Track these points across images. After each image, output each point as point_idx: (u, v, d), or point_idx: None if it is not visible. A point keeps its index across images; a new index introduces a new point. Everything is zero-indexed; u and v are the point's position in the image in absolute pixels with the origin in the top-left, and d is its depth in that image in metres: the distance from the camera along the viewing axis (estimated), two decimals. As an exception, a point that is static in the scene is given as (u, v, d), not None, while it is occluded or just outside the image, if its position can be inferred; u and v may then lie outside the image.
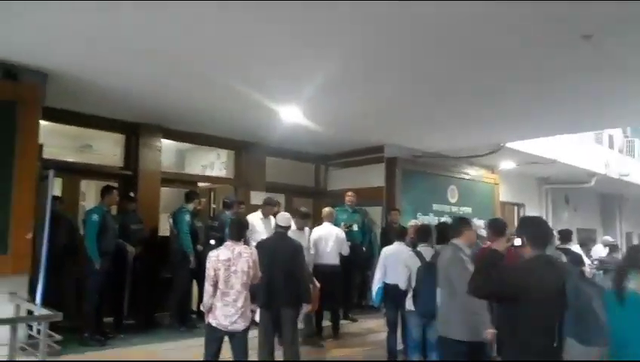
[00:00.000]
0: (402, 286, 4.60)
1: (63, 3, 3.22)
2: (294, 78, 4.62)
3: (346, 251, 6.05)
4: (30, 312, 4.23)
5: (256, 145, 7.82)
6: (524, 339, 2.48)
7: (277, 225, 4.80)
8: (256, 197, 7.75)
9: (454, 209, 8.81)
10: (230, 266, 3.78)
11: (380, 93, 5.19)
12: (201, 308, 4.03)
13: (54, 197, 5.86)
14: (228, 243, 3.93)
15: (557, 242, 5.88)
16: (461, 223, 3.82)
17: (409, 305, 4.47)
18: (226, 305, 3.77)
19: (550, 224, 11.21)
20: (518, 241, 2.71)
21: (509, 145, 8.02)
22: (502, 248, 3.68)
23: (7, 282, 4.25)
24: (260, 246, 4.62)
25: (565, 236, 6.08)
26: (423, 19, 3.38)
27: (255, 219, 6.15)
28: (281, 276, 4.47)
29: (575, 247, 6.35)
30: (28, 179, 4.34)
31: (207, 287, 3.81)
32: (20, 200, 4.26)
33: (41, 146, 4.68)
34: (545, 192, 11.84)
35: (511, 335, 2.60)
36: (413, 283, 4.40)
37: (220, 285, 3.78)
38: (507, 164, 9.47)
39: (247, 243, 4.10)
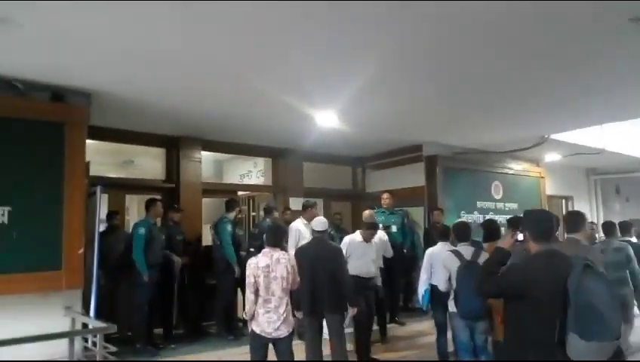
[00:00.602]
0: (441, 287, 4.48)
1: (104, 24, 3.31)
2: (331, 81, 4.58)
3: (389, 253, 5.95)
4: (85, 325, 4.38)
5: (292, 151, 7.84)
6: (525, 334, 2.45)
7: (313, 231, 4.77)
8: (295, 203, 7.77)
9: (499, 205, 8.54)
10: (269, 273, 3.78)
11: (418, 92, 5.09)
12: (244, 316, 4.04)
13: (113, 212, 6.14)
14: (266, 249, 3.92)
15: (618, 234, 5.61)
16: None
17: (451, 306, 4.35)
18: (268, 311, 3.77)
19: (601, 216, 10.75)
20: (520, 236, 2.70)
21: (553, 136, 7.70)
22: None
23: (62, 296, 4.40)
24: (300, 251, 4.61)
25: (625, 228, 5.77)
26: (463, 15, 3.28)
27: (299, 225, 6.13)
28: (322, 281, 4.43)
29: (633, 239, 6.02)
30: (77, 196, 4.48)
31: (249, 295, 3.82)
32: (70, 217, 4.40)
33: (87, 164, 4.83)
34: (594, 183, 11.32)
35: (513, 329, 2.57)
36: (455, 284, 4.28)
37: (261, 292, 3.78)
38: (552, 156, 9.11)
39: (284, 248, 4.08)
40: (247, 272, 3.83)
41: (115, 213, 6.27)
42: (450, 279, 4.34)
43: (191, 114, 5.77)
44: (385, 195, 6.90)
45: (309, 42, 3.70)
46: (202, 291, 6.44)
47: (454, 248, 4.48)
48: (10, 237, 4.13)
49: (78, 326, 4.44)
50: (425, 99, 5.35)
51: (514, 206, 8.72)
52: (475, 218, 7.91)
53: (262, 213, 7.05)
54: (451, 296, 4.34)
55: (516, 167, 9.04)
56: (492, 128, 6.88)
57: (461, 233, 4.56)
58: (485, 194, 8.41)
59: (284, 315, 3.77)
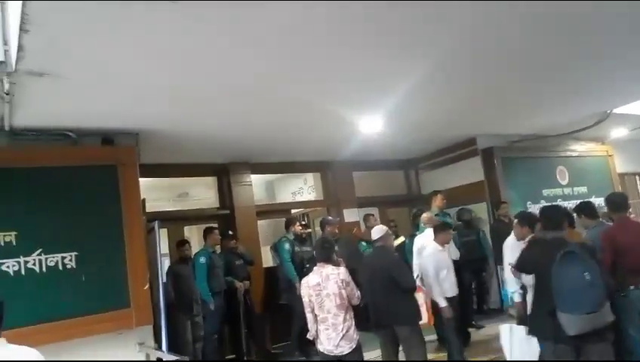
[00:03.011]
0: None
1: (142, 63, 3.35)
2: (377, 85, 4.43)
3: (456, 255, 5.66)
4: (160, 360, 4.43)
5: (340, 163, 7.73)
6: (533, 308, 3.41)
7: (372, 240, 4.58)
8: (350, 215, 7.64)
9: (567, 191, 7.99)
10: (321, 291, 3.67)
11: (466, 85, 4.83)
12: (308, 336, 3.96)
13: (184, 241, 6.10)
14: (316, 266, 3.82)
15: None
16: None
17: None
18: (327, 329, 3.68)
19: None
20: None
21: (616, 110, 7.13)
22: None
23: (134, 333, 4.48)
24: (363, 264, 4.44)
25: None
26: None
27: None
28: (382, 293, 4.22)
29: None
30: (137, 234, 4.57)
31: (307, 314, 3.77)
32: (132, 255, 4.49)
33: (143, 201, 4.93)
34: (670, 154, 10.43)
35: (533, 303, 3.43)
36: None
37: (316, 311, 3.71)
38: (619, 132, 8.44)
39: (336, 263, 3.93)
40: (302, 292, 3.79)
41: (184, 243, 6.02)
42: None
43: (238, 140, 5.80)
44: (438, 196, 6.59)
45: (355, 47, 3.55)
46: (269, 313, 6.41)
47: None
48: (79, 281, 4.26)
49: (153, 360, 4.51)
50: (474, 91, 5.07)
51: (583, 190, 8.16)
52: (543, 207, 7.46)
53: (318, 228, 6.96)
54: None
55: (580, 148, 8.46)
56: (547, 110, 6.46)
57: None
58: (550, 181, 7.90)
59: (344, 331, 3.65)
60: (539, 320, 3.29)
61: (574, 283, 2.95)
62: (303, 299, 3.77)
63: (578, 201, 5.85)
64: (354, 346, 3.68)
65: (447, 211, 6.60)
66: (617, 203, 4.15)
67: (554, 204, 3.53)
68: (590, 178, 8.37)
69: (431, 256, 4.83)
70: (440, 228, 4.98)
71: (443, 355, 5.07)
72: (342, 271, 3.76)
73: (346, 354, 3.67)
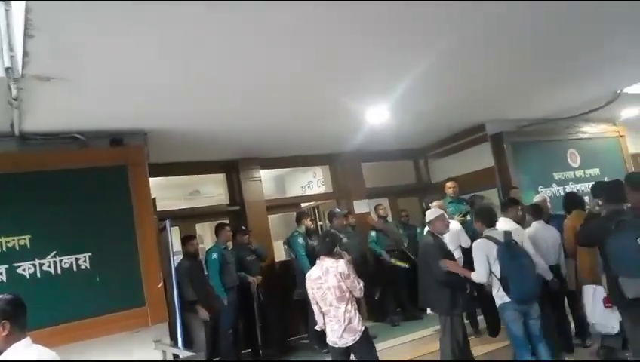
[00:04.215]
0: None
1: (151, 64, 3.36)
2: (385, 76, 4.41)
3: (466, 243, 5.63)
4: (176, 356, 4.49)
5: (348, 155, 7.70)
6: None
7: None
8: (360, 206, 7.63)
9: (579, 174, 7.88)
10: (322, 284, 3.73)
11: (475, 70, 4.74)
12: (316, 328, 4.03)
13: (191, 236, 5.91)
14: (319, 259, 3.86)
15: None
16: None
17: (500, 297, 4.11)
18: (330, 321, 3.76)
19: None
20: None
21: (627, 90, 7.00)
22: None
23: (150, 331, 4.53)
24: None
25: None
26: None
27: None
28: (422, 277, 4.49)
29: None
30: (149, 233, 4.61)
31: (313, 306, 3.87)
32: (145, 254, 4.52)
33: (154, 200, 4.97)
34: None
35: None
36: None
37: (320, 303, 3.78)
38: (630, 112, 8.30)
39: (337, 256, 3.93)
40: (307, 285, 3.87)
41: (189, 239, 5.77)
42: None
43: (246, 136, 5.81)
44: (449, 183, 6.54)
45: (364, 35, 3.49)
46: (283, 307, 6.45)
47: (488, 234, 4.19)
48: (94, 282, 4.31)
49: (169, 358, 4.56)
50: (483, 76, 4.99)
51: (595, 171, 8.05)
52: (555, 190, 7.37)
53: (327, 221, 6.97)
54: (495, 285, 4.08)
55: (590, 130, 8.34)
56: (557, 93, 6.37)
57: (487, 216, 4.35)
58: (562, 165, 7.80)
59: (346, 323, 3.69)
60: (611, 286, 3.51)
61: (630, 248, 3.13)
62: (308, 292, 3.85)
63: (590, 184, 5.80)
64: (357, 338, 3.70)
65: (464, 197, 6.59)
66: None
67: (617, 179, 3.64)
68: (602, 159, 8.26)
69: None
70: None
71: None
72: (340, 264, 3.77)
73: (351, 346, 3.71)
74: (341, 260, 3.86)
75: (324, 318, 3.82)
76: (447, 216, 4.79)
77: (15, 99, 3.36)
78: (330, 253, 3.85)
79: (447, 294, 4.30)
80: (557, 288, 4.54)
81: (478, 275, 4.10)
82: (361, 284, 3.82)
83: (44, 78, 3.22)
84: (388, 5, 3.01)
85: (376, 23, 3.28)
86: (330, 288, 3.70)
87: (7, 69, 2.98)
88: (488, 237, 4.11)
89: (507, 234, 4.07)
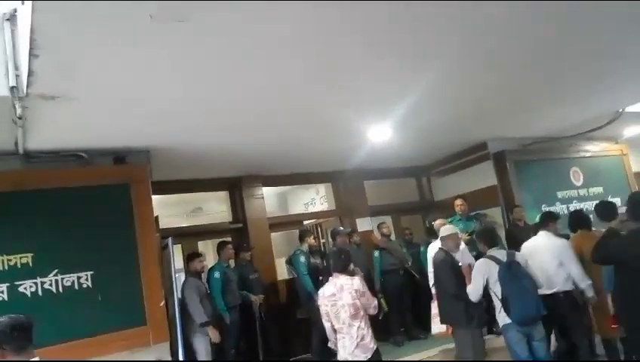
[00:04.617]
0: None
1: (152, 83, 3.39)
2: (387, 95, 4.43)
3: (468, 261, 5.56)
4: (176, 377, 4.43)
5: (351, 172, 7.70)
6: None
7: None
8: (363, 224, 7.60)
9: (582, 192, 7.85)
10: (336, 301, 3.69)
11: (477, 90, 4.79)
12: (329, 345, 3.98)
13: (197, 254, 5.74)
14: (332, 276, 3.82)
15: None
16: None
17: (501, 319, 4.07)
18: (343, 338, 3.71)
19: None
20: None
21: (629, 109, 7.02)
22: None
23: (151, 351, 4.46)
24: None
25: None
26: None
27: None
28: (439, 296, 4.59)
29: None
30: (151, 251, 4.60)
31: (325, 324, 3.81)
32: (147, 272, 4.51)
33: (156, 218, 4.96)
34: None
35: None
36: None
37: (332, 321, 3.73)
38: (632, 130, 8.29)
39: (352, 272, 3.94)
40: (319, 302, 3.84)
41: (195, 256, 5.52)
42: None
43: (249, 153, 5.82)
44: (458, 201, 6.52)
45: (368, 54, 3.54)
46: (285, 326, 6.38)
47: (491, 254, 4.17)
48: (95, 300, 4.29)
49: (170, 379, 4.50)
50: (485, 94, 5.01)
51: (599, 190, 8.01)
52: (558, 209, 7.33)
53: (330, 239, 6.93)
54: (497, 307, 4.04)
55: (593, 148, 8.33)
56: (558, 111, 6.37)
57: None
58: (565, 183, 7.78)
59: (358, 340, 3.65)
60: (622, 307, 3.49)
61: None
62: (320, 309, 3.81)
63: (594, 202, 5.76)
64: (369, 356, 3.66)
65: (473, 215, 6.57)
66: None
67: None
68: (605, 178, 8.23)
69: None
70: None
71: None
72: (356, 281, 3.74)
73: None
74: (356, 277, 3.85)
75: (336, 336, 3.78)
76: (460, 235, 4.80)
77: (20, 118, 3.39)
78: (344, 270, 3.84)
79: (462, 308, 4.26)
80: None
81: (471, 293, 4.12)
82: (375, 302, 3.83)
83: (48, 97, 3.24)
84: (386, 23, 3.05)
85: (374, 42, 3.32)
86: (344, 306, 3.66)
87: (12, 88, 3.01)
88: (491, 257, 4.09)
89: (510, 254, 4.05)
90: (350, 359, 3.66)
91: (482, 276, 4.05)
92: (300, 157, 6.47)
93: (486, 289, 4.11)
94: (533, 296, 3.94)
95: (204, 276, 5.73)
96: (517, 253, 4.17)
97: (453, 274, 4.34)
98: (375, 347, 3.72)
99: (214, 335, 5.09)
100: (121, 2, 2.35)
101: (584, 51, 4.29)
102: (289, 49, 3.23)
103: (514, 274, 3.93)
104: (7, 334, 2.23)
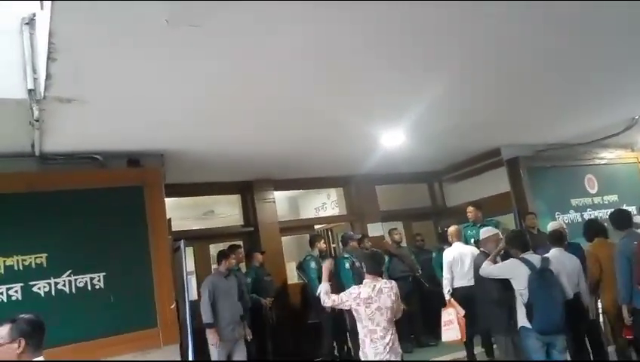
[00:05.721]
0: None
1: (166, 87, 3.42)
2: (400, 100, 4.44)
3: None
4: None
5: (363, 177, 7.69)
6: None
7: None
8: (374, 229, 7.57)
9: (597, 200, 7.75)
10: (371, 304, 3.60)
11: (491, 96, 4.78)
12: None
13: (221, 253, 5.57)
14: (367, 279, 3.73)
15: None
16: None
17: (522, 320, 3.92)
18: (374, 341, 3.60)
19: None
20: None
21: (645, 116, 6.94)
22: None
23: (161, 353, 4.49)
24: None
25: None
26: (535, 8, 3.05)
27: None
28: (479, 302, 4.56)
29: None
30: (163, 254, 4.63)
31: (358, 327, 3.63)
32: (159, 274, 4.54)
33: (169, 221, 4.99)
34: None
35: None
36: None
37: (365, 322, 3.62)
38: (648, 138, 8.21)
39: (384, 276, 3.92)
40: (344, 298, 3.65)
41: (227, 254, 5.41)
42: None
43: (261, 158, 5.85)
44: (470, 208, 6.46)
45: (379, 59, 3.55)
46: (296, 330, 6.37)
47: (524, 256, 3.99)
48: (108, 301, 4.32)
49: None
50: (498, 100, 5.00)
51: (614, 198, 7.90)
52: (572, 217, 7.24)
53: (341, 244, 6.91)
54: (521, 310, 3.91)
55: (608, 155, 8.22)
56: (573, 118, 6.31)
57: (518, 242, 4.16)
58: (579, 191, 7.68)
59: (390, 344, 3.59)
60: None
61: None
62: (341, 297, 3.65)
63: (609, 210, 5.68)
64: (399, 359, 3.64)
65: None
66: None
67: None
68: (620, 185, 8.11)
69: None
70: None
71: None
72: (394, 285, 3.71)
73: None
74: (393, 281, 3.81)
75: (367, 339, 3.65)
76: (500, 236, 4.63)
77: (37, 120, 3.44)
78: (380, 273, 3.79)
79: (505, 313, 4.16)
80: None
81: (483, 268, 4.14)
82: (402, 307, 3.82)
83: (65, 100, 3.29)
84: (400, 29, 3.06)
85: (388, 48, 3.33)
86: (381, 308, 3.59)
87: (30, 91, 3.06)
88: (524, 260, 3.92)
89: (544, 260, 3.90)
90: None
91: (502, 273, 4.01)
92: (312, 161, 6.48)
93: (510, 291, 4.03)
94: (560, 307, 3.77)
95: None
96: (552, 260, 3.97)
97: (496, 279, 4.17)
98: (401, 351, 3.71)
99: (211, 337, 4.92)
100: (137, 7, 2.38)
101: (598, 61, 4.27)
102: (300, 57, 3.27)
103: (545, 281, 3.77)
104: (30, 331, 2.27)
